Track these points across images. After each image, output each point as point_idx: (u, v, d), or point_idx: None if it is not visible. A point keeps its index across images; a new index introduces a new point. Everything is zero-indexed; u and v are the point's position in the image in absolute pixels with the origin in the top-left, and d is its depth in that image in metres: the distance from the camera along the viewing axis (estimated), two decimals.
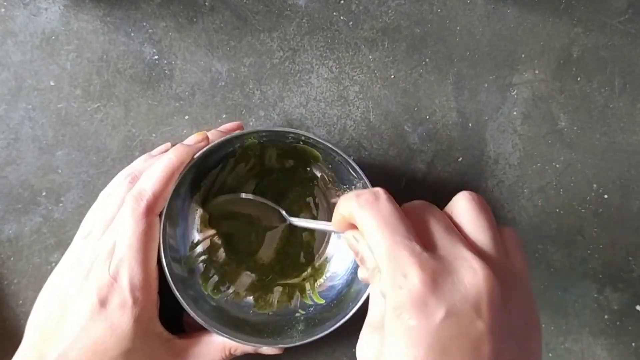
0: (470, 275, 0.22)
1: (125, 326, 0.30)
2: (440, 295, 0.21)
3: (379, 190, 0.24)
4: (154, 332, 0.32)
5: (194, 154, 0.33)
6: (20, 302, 0.38)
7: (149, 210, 0.31)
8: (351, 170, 0.34)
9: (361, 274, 0.28)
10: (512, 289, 0.23)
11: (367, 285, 0.33)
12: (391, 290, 0.22)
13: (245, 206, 0.38)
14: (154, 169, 0.32)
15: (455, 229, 0.25)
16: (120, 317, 0.30)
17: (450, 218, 0.26)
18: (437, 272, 0.21)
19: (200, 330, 0.34)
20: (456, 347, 0.21)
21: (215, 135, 0.35)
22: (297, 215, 0.38)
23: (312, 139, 0.33)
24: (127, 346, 0.30)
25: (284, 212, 0.37)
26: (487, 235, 0.24)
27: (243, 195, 0.37)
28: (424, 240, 0.23)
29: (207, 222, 0.38)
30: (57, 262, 0.34)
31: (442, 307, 0.21)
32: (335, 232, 0.28)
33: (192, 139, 0.35)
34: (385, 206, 0.24)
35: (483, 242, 0.24)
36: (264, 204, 0.37)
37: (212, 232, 0.38)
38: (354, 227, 0.25)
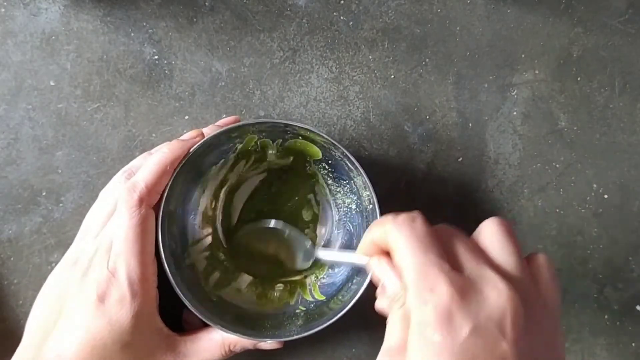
0: (495, 294, 0.22)
1: (123, 321, 0.30)
2: (466, 311, 0.21)
3: (416, 213, 0.25)
4: (153, 328, 0.32)
5: (189, 149, 0.33)
6: (20, 302, 0.38)
7: (141, 201, 0.31)
8: (350, 166, 0.34)
9: (379, 303, 0.28)
10: (537, 313, 0.23)
11: (365, 280, 0.33)
12: (417, 305, 0.22)
13: (268, 237, 0.39)
14: (147, 163, 0.32)
15: (482, 252, 0.25)
16: (119, 312, 0.30)
17: (477, 243, 0.26)
18: (464, 289, 0.22)
19: (199, 328, 0.34)
20: None
21: (212, 130, 0.35)
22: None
23: (310, 131, 0.33)
24: (126, 341, 0.30)
25: (309, 244, 0.38)
26: (513, 259, 0.24)
27: (272, 224, 0.38)
28: (451, 262, 0.23)
29: (208, 220, 0.38)
30: (57, 262, 0.34)
31: (467, 323, 0.21)
32: (360, 265, 0.29)
33: (187, 135, 0.35)
34: (422, 228, 0.24)
35: (509, 265, 0.24)
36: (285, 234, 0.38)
37: (213, 229, 0.38)
38: (380, 254, 0.26)
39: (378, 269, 0.26)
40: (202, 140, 0.33)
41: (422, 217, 0.25)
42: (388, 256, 0.26)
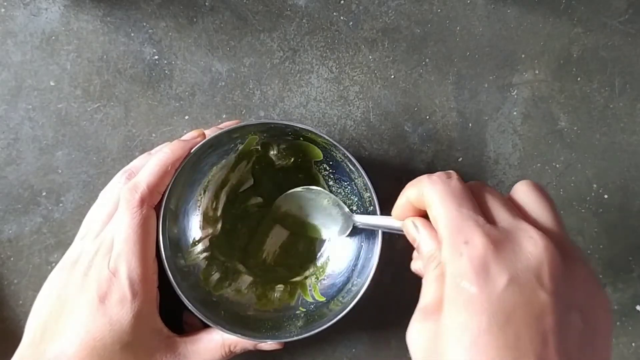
0: (532, 244, 0.21)
1: (124, 321, 0.30)
2: (502, 262, 0.21)
3: (451, 172, 0.25)
4: (153, 328, 0.32)
5: (191, 149, 0.33)
6: (20, 302, 0.38)
7: (143, 201, 0.31)
8: (351, 167, 0.34)
9: (415, 265, 0.28)
10: (574, 262, 0.23)
11: (365, 281, 0.33)
12: (452, 259, 0.22)
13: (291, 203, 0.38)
14: (148, 163, 0.32)
15: (517, 207, 0.25)
16: (119, 312, 0.30)
17: (512, 201, 0.26)
18: (499, 240, 0.21)
19: (200, 329, 0.34)
20: (520, 316, 0.20)
21: (213, 132, 0.35)
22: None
23: (311, 132, 0.33)
24: (126, 341, 0.30)
25: (347, 210, 0.37)
26: (548, 214, 0.24)
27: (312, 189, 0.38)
28: (486, 216, 0.23)
29: (209, 220, 0.38)
30: (57, 262, 0.34)
31: (504, 274, 0.21)
32: (397, 227, 0.28)
33: (189, 135, 0.35)
34: (456, 184, 0.24)
35: (544, 219, 0.24)
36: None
37: (214, 229, 0.38)
38: (415, 214, 0.26)
39: (413, 230, 0.26)
40: (204, 141, 0.33)
41: (457, 175, 0.25)
42: (423, 217, 0.26)
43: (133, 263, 0.30)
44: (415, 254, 0.26)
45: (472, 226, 0.22)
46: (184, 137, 0.35)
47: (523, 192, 0.25)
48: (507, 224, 0.23)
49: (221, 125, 0.37)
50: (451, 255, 0.22)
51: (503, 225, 0.23)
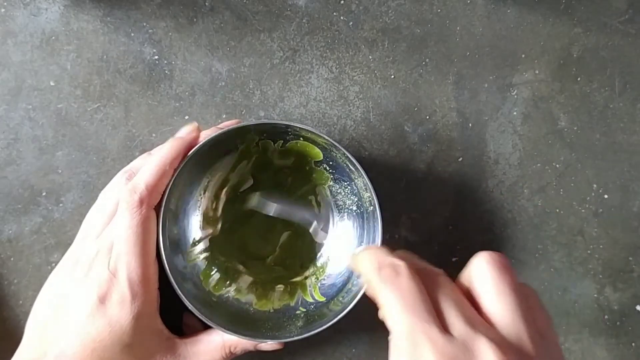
0: None
1: (124, 322, 0.30)
2: None
3: (400, 264, 0.24)
4: (153, 329, 0.32)
5: (189, 147, 0.33)
6: (20, 302, 0.38)
7: (142, 202, 0.31)
8: (351, 167, 0.34)
9: (380, 315, 0.28)
10: None
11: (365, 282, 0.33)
12: None
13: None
14: (147, 164, 0.32)
15: (472, 303, 0.24)
16: (119, 313, 0.30)
17: (468, 286, 0.25)
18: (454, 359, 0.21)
19: (199, 331, 0.34)
20: None
21: (213, 132, 0.35)
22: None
23: (311, 132, 0.33)
24: (126, 342, 0.30)
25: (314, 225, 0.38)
26: (509, 309, 0.23)
27: (272, 211, 0.38)
28: (441, 319, 0.23)
29: (209, 220, 0.38)
30: (57, 262, 0.34)
31: None
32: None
33: (184, 130, 0.35)
34: (407, 283, 0.23)
35: (504, 319, 0.23)
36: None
37: (214, 229, 0.38)
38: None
39: (370, 292, 0.26)
40: (204, 141, 0.33)
41: (407, 270, 0.24)
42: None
43: (133, 264, 0.30)
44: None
45: (427, 343, 0.21)
46: (179, 134, 0.35)
47: (480, 278, 0.24)
48: (462, 334, 0.22)
49: (221, 125, 0.37)
50: None
51: (458, 334, 0.22)
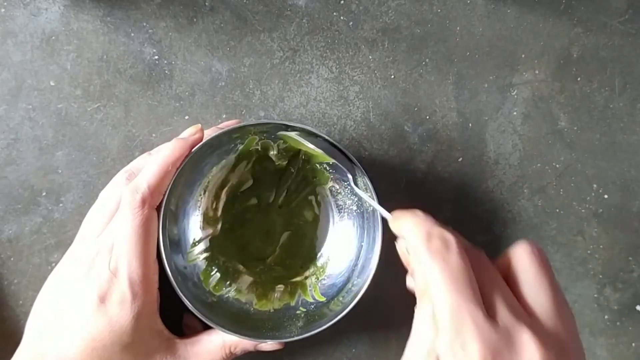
0: (529, 355, 0.21)
1: (124, 322, 0.30)
2: None
3: (450, 239, 0.24)
4: (153, 329, 0.32)
5: (191, 148, 0.33)
6: (20, 302, 0.38)
7: (144, 202, 0.31)
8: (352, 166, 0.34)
9: (409, 283, 0.27)
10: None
11: (366, 281, 0.33)
12: (447, 356, 0.21)
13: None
14: (149, 164, 0.32)
15: (515, 293, 0.24)
16: (119, 312, 0.29)
17: (509, 268, 0.25)
18: (497, 351, 0.21)
19: (199, 331, 0.34)
20: None
21: (213, 132, 0.35)
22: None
23: (311, 132, 0.33)
24: (126, 342, 0.30)
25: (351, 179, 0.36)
26: (549, 303, 0.23)
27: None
28: (486, 303, 0.23)
29: (209, 220, 0.38)
30: (57, 262, 0.34)
31: None
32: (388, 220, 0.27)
33: (187, 132, 0.35)
34: (456, 261, 0.23)
35: (545, 311, 0.23)
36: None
37: (214, 229, 0.38)
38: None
39: (405, 255, 0.25)
40: (204, 141, 0.33)
41: (458, 246, 0.23)
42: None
43: (134, 264, 0.30)
44: (409, 274, 0.25)
45: (471, 328, 0.21)
46: (182, 135, 0.35)
47: (521, 265, 0.24)
48: (506, 323, 0.22)
49: (221, 125, 0.37)
50: (448, 353, 0.22)
51: (502, 322, 0.22)
